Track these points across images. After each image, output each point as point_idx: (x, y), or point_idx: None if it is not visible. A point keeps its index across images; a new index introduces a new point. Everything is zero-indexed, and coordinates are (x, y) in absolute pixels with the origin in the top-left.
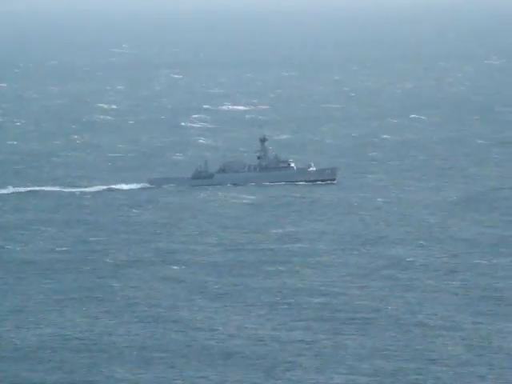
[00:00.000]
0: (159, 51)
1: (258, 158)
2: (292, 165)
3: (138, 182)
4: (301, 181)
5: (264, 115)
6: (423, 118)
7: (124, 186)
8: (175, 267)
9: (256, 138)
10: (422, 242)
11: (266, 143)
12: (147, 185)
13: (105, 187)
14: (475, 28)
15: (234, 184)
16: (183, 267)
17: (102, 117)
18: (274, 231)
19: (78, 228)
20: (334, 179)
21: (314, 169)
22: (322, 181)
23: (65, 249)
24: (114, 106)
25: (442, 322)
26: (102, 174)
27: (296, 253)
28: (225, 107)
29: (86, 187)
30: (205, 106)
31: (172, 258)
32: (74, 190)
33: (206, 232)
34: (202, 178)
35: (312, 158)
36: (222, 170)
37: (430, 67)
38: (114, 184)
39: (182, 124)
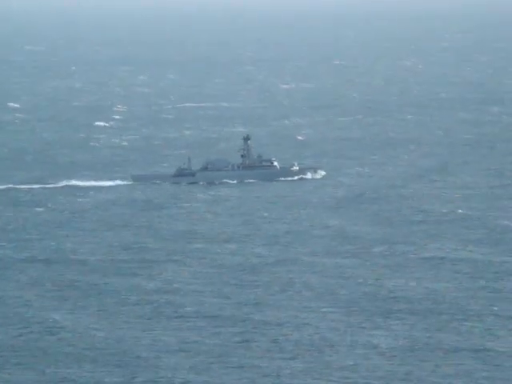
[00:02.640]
0: (74, 50)
1: (242, 156)
2: (275, 163)
3: (121, 179)
4: (284, 180)
5: (170, 114)
6: (322, 118)
7: (108, 183)
8: (50, 267)
9: (170, 138)
10: (296, 240)
11: (250, 142)
12: (130, 181)
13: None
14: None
15: (217, 182)
16: (59, 267)
17: (13, 115)
18: (172, 229)
19: None
20: (316, 178)
21: (297, 168)
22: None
23: None
24: (22, 105)
25: (289, 319)
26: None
27: (183, 252)
28: (138, 107)
29: None
30: (117, 107)
31: (50, 258)
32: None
33: (94, 231)
34: (185, 175)
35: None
36: (205, 168)
37: (334, 67)
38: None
39: (95, 123)
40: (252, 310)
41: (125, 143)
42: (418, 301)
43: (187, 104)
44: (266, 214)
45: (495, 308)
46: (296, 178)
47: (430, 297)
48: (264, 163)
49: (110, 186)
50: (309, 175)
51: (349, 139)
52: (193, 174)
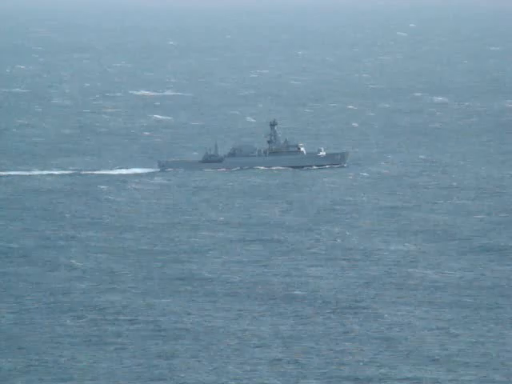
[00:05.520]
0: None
1: (268, 142)
2: (302, 149)
3: (147, 166)
4: (310, 165)
5: (166, 100)
6: (266, 107)
7: (136, 170)
8: None
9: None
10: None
11: (276, 127)
12: (157, 168)
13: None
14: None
15: (244, 168)
16: None
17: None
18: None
19: None
20: (343, 164)
21: (324, 153)
22: (332, 165)
23: None
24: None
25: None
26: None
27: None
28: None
29: None
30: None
31: None
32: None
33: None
34: (212, 161)
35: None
36: (232, 154)
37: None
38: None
39: (86, 111)
40: (155, 302)
41: (68, 131)
42: (314, 289)
43: (136, 92)
44: (219, 204)
45: (396, 296)
46: (319, 165)
47: (326, 286)
48: (291, 149)
49: (136, 174)
50: (335, 161)
51: (287, 128)
52: (220, 160)
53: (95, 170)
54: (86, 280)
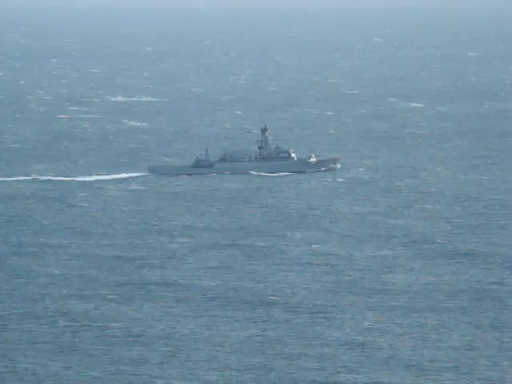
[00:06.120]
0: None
1: (259, 147)
2: (293, 155)
3: (136, 170)
4: (301, 171)
5: (142, 106)
6: (239, 112)
7: (123, 175)
8: None
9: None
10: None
11: (267, 133)
12: (147, 173)
13: None
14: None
15: (235, 173)
16: None
17: None
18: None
19: None
20: (336, 168)
21: (315, 159)
22: (319, 170)
23: None
24: None
25: None
26: None
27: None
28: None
29: None
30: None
31: None
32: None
33: None
34: (203, 166)
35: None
36: (223, 159)
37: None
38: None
39: (62, 117)
40: (129, 308)
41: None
42: (289, 294)
43: (112, 98)
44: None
45: (371, 301)
46: (312, 170)
47: (302, 291)
48: (281, 154)
49: (124, 178)
50: (324, 168)
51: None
52: (211, 165)
53: (72, 177)
54: (59, 287)
